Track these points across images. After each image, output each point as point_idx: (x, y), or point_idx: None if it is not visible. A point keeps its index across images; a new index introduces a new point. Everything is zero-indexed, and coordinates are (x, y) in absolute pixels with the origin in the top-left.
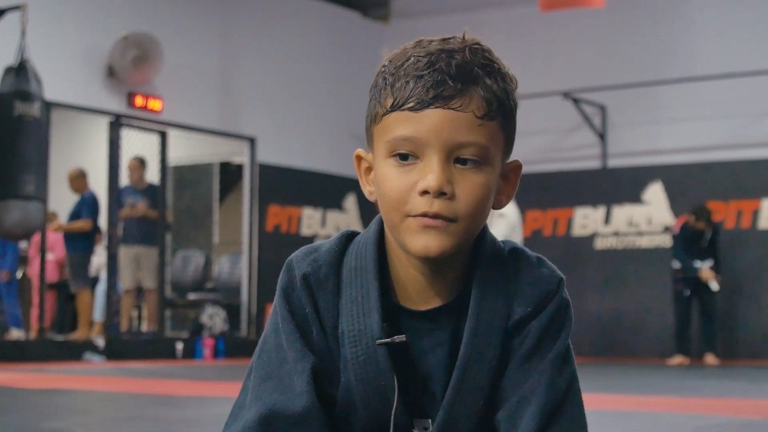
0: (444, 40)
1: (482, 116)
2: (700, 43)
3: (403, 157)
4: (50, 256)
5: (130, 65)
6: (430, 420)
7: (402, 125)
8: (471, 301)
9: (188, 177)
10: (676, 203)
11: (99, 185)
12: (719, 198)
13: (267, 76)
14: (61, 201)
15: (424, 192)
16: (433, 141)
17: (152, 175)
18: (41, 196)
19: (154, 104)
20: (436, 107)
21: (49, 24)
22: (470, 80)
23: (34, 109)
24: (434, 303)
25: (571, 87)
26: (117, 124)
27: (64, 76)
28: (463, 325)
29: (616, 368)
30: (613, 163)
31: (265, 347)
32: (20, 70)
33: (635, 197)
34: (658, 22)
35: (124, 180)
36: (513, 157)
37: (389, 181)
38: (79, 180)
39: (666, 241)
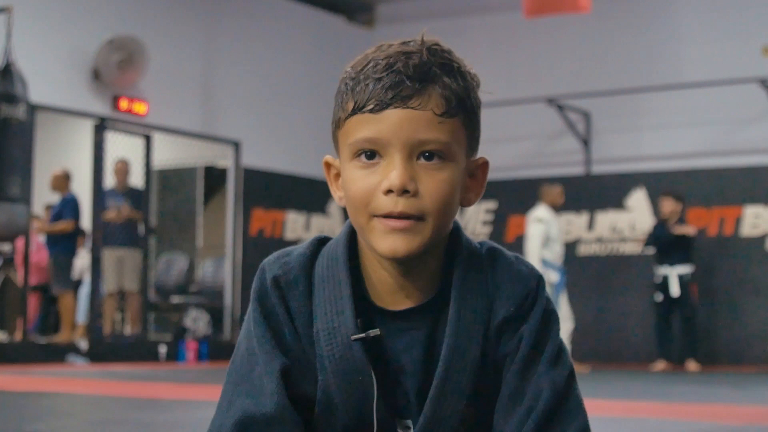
0: (404, 43)
1: (442, 114)
2: (684, 51)
3: (369, 156)
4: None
5: (115, 68)
6: (410, 420)
7: (363, 127)
8: (451, 301)
9: (172, 180)
10: (659, 210)
11: (83, 188)
12: (702, 205)
13: (252, 80)
14: (46, 203)
15: (388, 191)
16: (394, 140)
17: (136, 179)
18: (26, 198)
19: (139, 107)
20: (396, 107)
21: (35, 26)
22: (428, 79)
23: (20, 112)
24: (408, 303)
25: (555, 93)
26: (102, 127)
27: (50, 78)
28: (439, 326)
29: (599, 374)
30: (597, 169)
31: (238, 353)
32: (5, 72)
33: (619, 204)
34: (642, 29)
35: (109, 183)
36: (496, 161)
37: (354, 183)
38: (61, 180)
39: (649, 247)
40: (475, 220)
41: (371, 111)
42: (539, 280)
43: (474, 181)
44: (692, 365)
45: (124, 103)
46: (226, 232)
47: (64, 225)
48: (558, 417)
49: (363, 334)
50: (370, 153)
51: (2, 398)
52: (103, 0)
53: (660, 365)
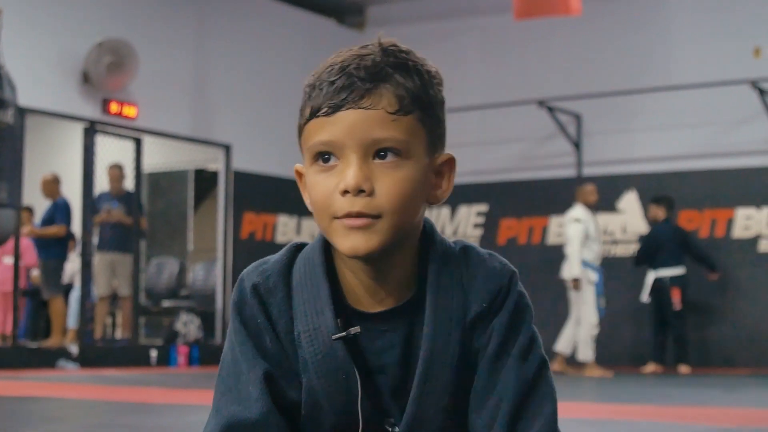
0: (363, 46)
1: (395, 112)
2: (675, 53)
3: (326, 159)
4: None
5: (105, 71)
6: (392, 420)
7: (319, 131)
8: (427, 301)
9: (163, 184)
10: (647, 215)
11: (73, 192)
12: (694, 207)
13: (242, 83)
14: (36, 208)
15: (345, 192)
16: (348, 141)
17: (127, 182)
18: (14, 202)
19: (129, 111)
20: (348, 108)
21: (24, 30)
22: (379, 78)
23: (8, 116)
24: (386, 305)
25: (546, 95)
26: (92, 130)
27: (39, 82)
28: (416, 327)
29: (590, 377)
30: (588, 171)
31: (223, 364)
32: None
33: (610, 206)
34: (633, 31)
35: (99, 186)
36: (488, 163)
37: (314, 187)
38: (51, 185)
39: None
40: (466, 223)
41: (325, 114)
42: (512, 275)
43: (441, 178)
44: (684, 368)
45: (114, 107)
46: (217, 235)
47: (55, 229)
48: (525, 411)
49: (344, 333)
50: (327, 156)
51: None
52: (93, 3)
53: (651, 367)
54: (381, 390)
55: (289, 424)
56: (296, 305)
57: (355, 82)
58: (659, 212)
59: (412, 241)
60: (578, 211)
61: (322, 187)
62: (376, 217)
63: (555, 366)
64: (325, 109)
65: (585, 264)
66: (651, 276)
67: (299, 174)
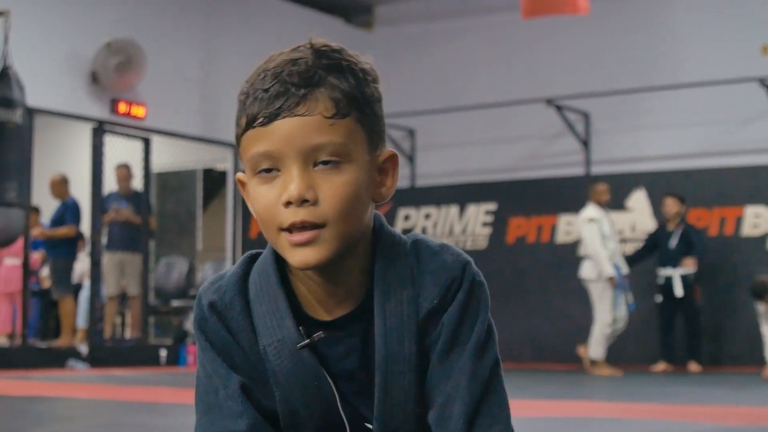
0: (294, 49)
1: (331, 116)
2: (683, 51)
3: (267, 170)
4: (15, 262)
5: (114, 72)
6: (368, 424)
7: (257, 142)
8: (375, 302)
9: (172, 183)
10: (659, 210)
11: (82, 192)
12: (703, 205)
13: None
14: (45, 208)
15: (288, 203)
16: (287, 151)
17: (136, 182)
18: (23, 202)
19: (138, 111)
20: (284, 117)
21: (32, 30)
22: (313, 83)
23: (17, 116)
24: (341, 311)
25: (555, 94)
26: (100, 130)
27: (47, 82)
28: (372, 329)
29: (600, 375)
30: (597, 170)
31: (199, 383)
32: (3, 76)
33: (619, 204)
34: (642, 29)
35: (108, 186)
36: (496, 162)
37: (257, 199)
38: (60, 186)
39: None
40: (475, 222)
41: (261, 124)
42: (465, 265)
43: (385, 175)
44: (694, 366)
45: (122, 107)
46: (225, 235)
47: (65, 230)
48: (481, 417)
49: (307, 341)
50: (267, 168)
51: (2, 403)
52: (101, 3)
53: (660, 366)
54: (351, 395)
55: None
56: (256, 318)
57: (289, 89)
58: (676, 207)
59: (363, 243)
60: (591, 210)
61: (264, 199)
62: (321, 226)
63: (605, 371)
64: (261, 119)
65: None
66: (662, 275)
67: (242, 183)
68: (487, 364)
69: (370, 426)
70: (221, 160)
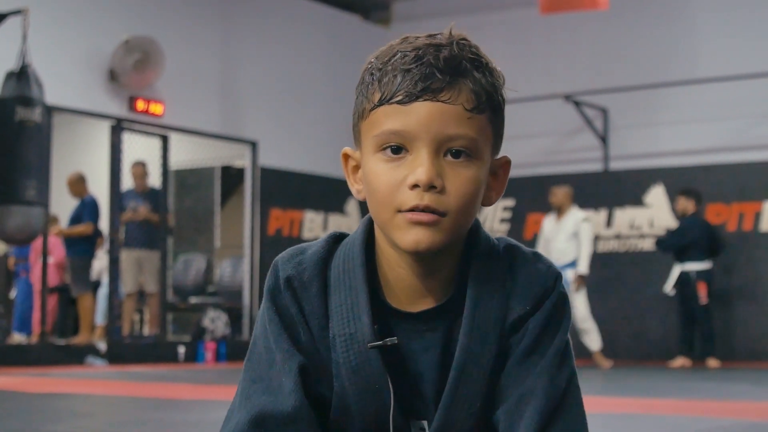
0: (430, 36)
1: (471, 109)
2: (701, 46)
3: (395, 150)
4: (50, 260)
5: (132, 69)
6: (425, 422)
7: (390, 119)
8: (467, 301)
9: (190, 181)
10: (675, 208)
11: (101, 189)
12: (721, 200)
13: (268, 79)
14: (63, 205)
15: (414, 186)
16: (423, 134)
17: (154, 179)
18: (42, 200)
19: (156, 108)
20: (425, 100)
21: (51, 28)
22: (459, 73)
23: (36, 114)
24: (425, 305)
25: (573, 90)
26: (118, 128)
27: (66, 80)
28: (456, 327)
29: (618, 371)
30: (615, 165)
31: (254, 349)
32: (21, 74)
33: (637, 200)
34: (660, 24)
35: (126, 184)
36: (514, 158)
37: (378, 177)
38: (78, 184)
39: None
40: (493, 218)
41: (400, 102)
42: (557, 277)
43: (496, 180)
44: (712, 362)
45: (140, 104)
46: (243, 232)
47: (83, 228)
48: (556, 420)
49: (380, 342)
50: (396, 147)
51: (21, 400)
52: (119, 1)
53: (679, 362)
54: (415, 392)
55: (319, 421)
56: (333, 305)
57: (434, 73)
58: (689, 205)
59: (460, 241)
60: (580, 212)
61: (387, 177)
62: (443, 214)
63: (605, 364)
64: (400, 97)
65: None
66: (677, 269)
67: (347, 157)
68: (565, 374)
69: (423, 426)
70: (239, 157)
